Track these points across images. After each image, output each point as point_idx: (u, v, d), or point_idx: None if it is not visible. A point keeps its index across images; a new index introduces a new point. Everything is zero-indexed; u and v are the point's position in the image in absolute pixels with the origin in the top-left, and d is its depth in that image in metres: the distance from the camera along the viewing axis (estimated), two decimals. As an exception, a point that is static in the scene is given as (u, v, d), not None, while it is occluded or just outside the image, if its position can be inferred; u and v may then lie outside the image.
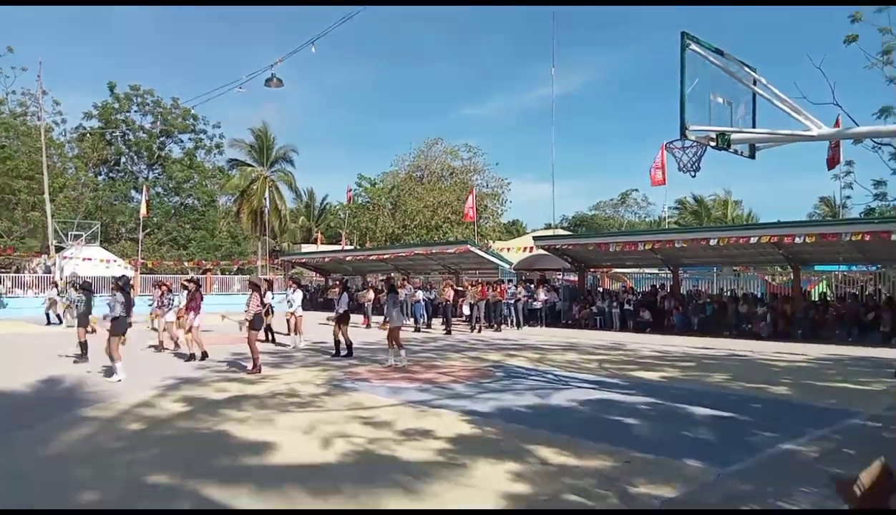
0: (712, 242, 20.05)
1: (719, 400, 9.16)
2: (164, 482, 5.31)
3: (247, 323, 11.67)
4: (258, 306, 11.76)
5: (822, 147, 22.79)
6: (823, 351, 15.50)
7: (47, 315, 23.68)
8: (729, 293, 24.00)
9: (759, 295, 22.76)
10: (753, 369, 12.66)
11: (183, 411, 8.18)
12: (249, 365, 11.56)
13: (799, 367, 12.97)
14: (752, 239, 19.12)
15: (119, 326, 10.74)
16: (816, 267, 24.42)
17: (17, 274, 33.24)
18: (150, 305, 16.79)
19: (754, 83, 7.78)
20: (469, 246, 26.72)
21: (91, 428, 7.24)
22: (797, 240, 18.10)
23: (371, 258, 32.78)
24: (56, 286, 25.38)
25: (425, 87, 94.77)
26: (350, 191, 47.74)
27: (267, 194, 43.90)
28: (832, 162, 24.82)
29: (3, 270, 33.98)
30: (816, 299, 21.63)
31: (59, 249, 34.40)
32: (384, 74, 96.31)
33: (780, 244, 19.05)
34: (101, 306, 13.66)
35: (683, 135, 7.17)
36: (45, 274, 32.06)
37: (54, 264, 31.77)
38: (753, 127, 7.99)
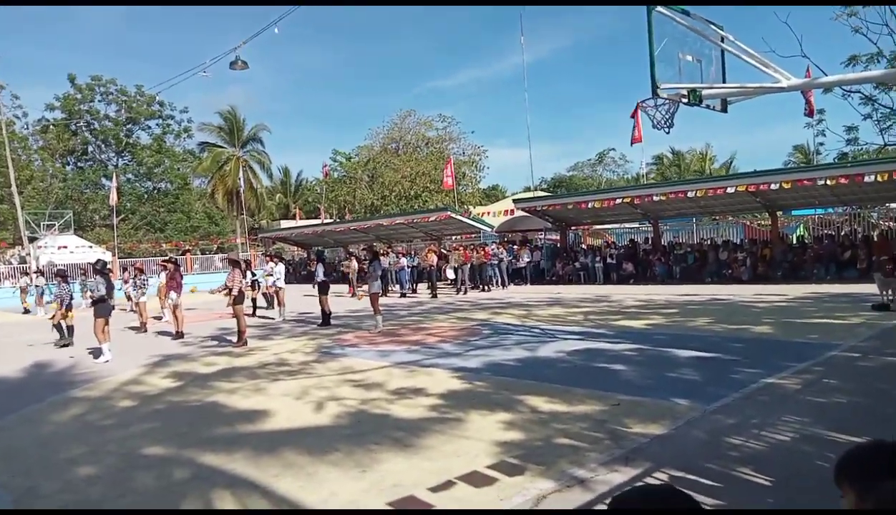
0: (690, 194, 20.24)
1: (703, 342, 9.33)
2: (159, 453, 5.32)
3: (231, 297, 11.66)
4: (241, 281, 11.77)
5: (795, 97, 23.07)
6: (803, 291, 15.81)
7: (23, 304, 23.65)
8: (709, 241, 24.32)
9: (738, 242, 23.10)
10: (735, 311, 12.90)
11: (173, 386, 8.17)
12: (235, 339, 11.54)
13: (779, 307, 13.23)
14: (729, 189, 19.32)
15: (103, 309, 10.68)
16: (793, 212, 24.80)
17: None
18: (122, 288, 16.65)
19: (722, 40, 7.84)
20: (449, 212, 26.73)
21: (82, 408, 7.22)
22: (773, 186, 18.37)
23: (352, 229, 32.63)
24: (28, 275, 25.12)
25: (393, 63, 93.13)
26: (326, 166, 47.37)
27: (241, 174, 43.41)
28: (811, 109, 25.09)
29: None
30: (795, 242, 22.02)
31: (32, 239, 33.85)
32: (350, 52, 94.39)
33: (758, 192, 19.35)
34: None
35: (655, 94, 7.27)
36: (21, 265, 31.58)
37: (28, 254, 31.26)
38: (724, 82, 8.07)
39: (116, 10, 75.88)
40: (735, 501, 3.75)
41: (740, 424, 5.25)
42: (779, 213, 22.47)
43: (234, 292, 11.58)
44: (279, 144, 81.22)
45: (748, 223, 27.49)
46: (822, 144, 31.15)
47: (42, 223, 35.15)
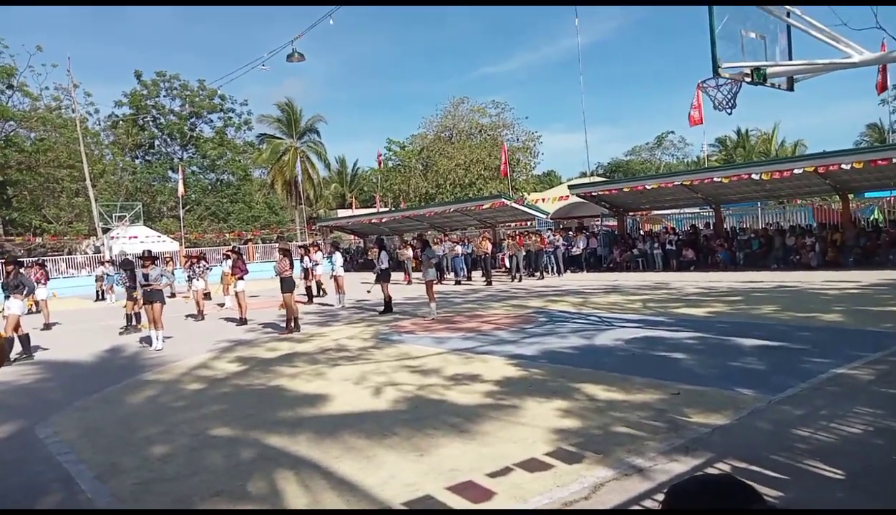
0: (754, 176, 19.48)
1: (769, 330, 9.03)
2: (227, 434, 5.56)
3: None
4: (288, 269, 12.09)
5: (869, 73, 21.92)
6: (877, 277, 15.02)
7: (97, 292, 24.92)
8: (775, 226, 23.40)
9: (806, 226, 22.14)
10: (803, 299, 12.40)
11: (238, 370, 8.50)
12: (292, 324, 11.87)
13: (851, 294, 12.64)
14: (796, 170, 18.51)
15: (162, 296, 11.13)
16: (867, 195, 23.56)
17: (70, 256, 34.59)
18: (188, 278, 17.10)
19: (788, 15, 7.51)
20: (503, 199, 26.61)
21: (155, 390, 7.61)
22: (844, 167, 17.48)
23: (407, 218, 32.92)
24: (103, 265, 26.47)
25: (445, 49, 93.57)
26: (380, 155, 47.89)
27: (298, 164, 44.39)
28: (881, 86, 23.71)
29: (56, 253, 35.40)
30: (868, 226, 20.94)
31: (105, 230, 35.62)
32: (403, 39, 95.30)
33: (827, 174, 18.46)
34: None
35: (716, 74, 7.08)
36: (96, 254, 33.33)
37: (102, 244, 32.95)
38: (790, 59, 7.74)
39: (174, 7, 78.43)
40: (804, 494, 3.65)
41: (808, 415, 5.07)
42: (850, 196, 21.39)
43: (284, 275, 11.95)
44: (336, 134, 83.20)
45: (818, 205, 26.24)
46: (899, 121, 29.52)
47: (114, 214, 36.97)
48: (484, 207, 27.50)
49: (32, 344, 10.99)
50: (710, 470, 4.06)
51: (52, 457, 5.22)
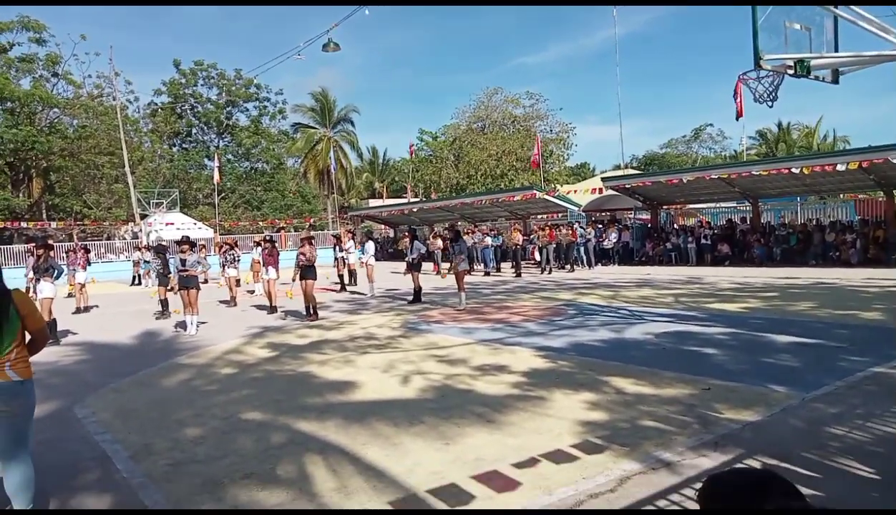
0: (795, 170, 18.96)
1: (804, 327, 8.82)
2: (257, 418, 5.66)
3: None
4: (313, 257, 12.21)
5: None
6: (921, 276, 14.56)
7: (134, 276, 25.58)
8: (815, 222, 22.78)
9: (848, 222, 21.48)
10: (842, 296, 12.09)
11: (269, 356, 8.64)
12: (317, 313, 12.03)
13: (893, 292, 12.27)
14: (839, 166, 17.93)
15: (197, 282, 11.33)
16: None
17: (108, 241, 35.47)
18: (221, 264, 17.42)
19: (835, 6, 7.23)
20: (535, 191, 26.43)
21: (188, 374, 7.77)
22: (892, 160, 16.88)
23: (438, 208, 32.94)
24: (139, 250, 27.07)
25: (481, 40, 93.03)
26: (412, 146, 47.95)
27: (332, 154, 44.74)
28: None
29: (95, 238, 36.36)
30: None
31: (143, 216, 36.42)
32: (439, 30, 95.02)
33: (871, 168, 17.87)
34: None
35: (758, 65, 6.90)
36: (133, 240, 34.13)
37: (140, 230, 33.69)
38: (836, 50, 7.48)
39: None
40: (837, 492, 3.57)
41: (843, 414, 4.96)
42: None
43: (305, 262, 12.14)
44: (368, 124, 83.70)
45: (861, 199, 25.34)
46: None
47: (151, 201, 37.76)
48: (515, 199, 27.38)
49: (62, 328, 11.25)
50: (740, 466, 3.99)
51: (90, 437, 5.38)
